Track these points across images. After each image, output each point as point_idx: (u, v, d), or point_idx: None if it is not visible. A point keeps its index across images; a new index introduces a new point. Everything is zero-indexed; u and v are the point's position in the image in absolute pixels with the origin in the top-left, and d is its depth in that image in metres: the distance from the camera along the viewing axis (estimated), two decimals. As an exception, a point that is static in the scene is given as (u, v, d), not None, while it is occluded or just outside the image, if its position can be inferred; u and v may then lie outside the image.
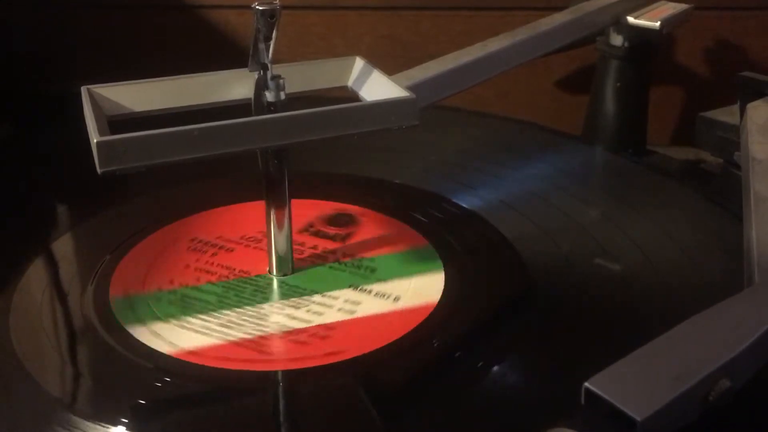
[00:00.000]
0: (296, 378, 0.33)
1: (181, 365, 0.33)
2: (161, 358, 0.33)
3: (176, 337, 0.34)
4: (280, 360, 0.33)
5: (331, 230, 0.43)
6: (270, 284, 0.38)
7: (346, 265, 0.39)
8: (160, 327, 0.35)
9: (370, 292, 0.37)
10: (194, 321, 0.36)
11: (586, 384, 0.25)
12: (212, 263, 0.40)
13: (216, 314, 0.36)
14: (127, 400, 0.31)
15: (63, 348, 0.35)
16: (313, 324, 0.35)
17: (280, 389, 0.33)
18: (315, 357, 0.33)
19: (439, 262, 0.39)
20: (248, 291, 0.38)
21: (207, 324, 0.35)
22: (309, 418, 0.32)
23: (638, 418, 0.24)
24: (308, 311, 0.36)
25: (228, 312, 0.36)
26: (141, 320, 0.36)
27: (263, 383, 0.33)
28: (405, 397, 0.32)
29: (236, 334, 0.35)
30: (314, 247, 0.41)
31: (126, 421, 0.30)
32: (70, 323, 0.36)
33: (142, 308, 0.36)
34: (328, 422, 0.31)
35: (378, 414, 0.31)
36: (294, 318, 0.36)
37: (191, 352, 0.33)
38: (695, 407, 0.25)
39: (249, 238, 0.42)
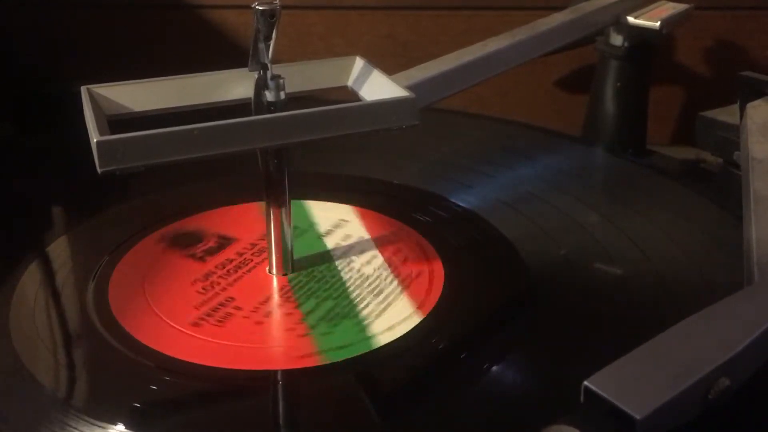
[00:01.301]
0: (296, 378, 0.33)
1: (181, 365, 0.33)
2: (161, 358, 0.33)
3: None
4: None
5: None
6: (304, 286, 0.39)
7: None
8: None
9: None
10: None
11: (586, 382, 0.25)
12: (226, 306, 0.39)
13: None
14: (127, 399, 0.31)
15: (63, 348, 0.35)
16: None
17: (280, 389, 0.33)
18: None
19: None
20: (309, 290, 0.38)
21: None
22: (308, 418, 0.32)
23: (637, 417, 0.24)
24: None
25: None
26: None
27: (263, 383, 0.33)
28: (404, 397, 0.32)
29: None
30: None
31: (125, 420, 0.30)
32: (70, 323, 0.36)
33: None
34: (327, 422, 0.31)
35: (377, 414, 0.31)
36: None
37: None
38: (695, 406, 0.25)
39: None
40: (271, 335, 0.35)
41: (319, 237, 0.42)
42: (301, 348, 0.34)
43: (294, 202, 0.39)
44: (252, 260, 0.40)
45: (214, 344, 0.34)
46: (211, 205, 0.45)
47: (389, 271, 0.39)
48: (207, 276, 0.38)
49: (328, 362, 0.33)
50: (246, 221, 0.43)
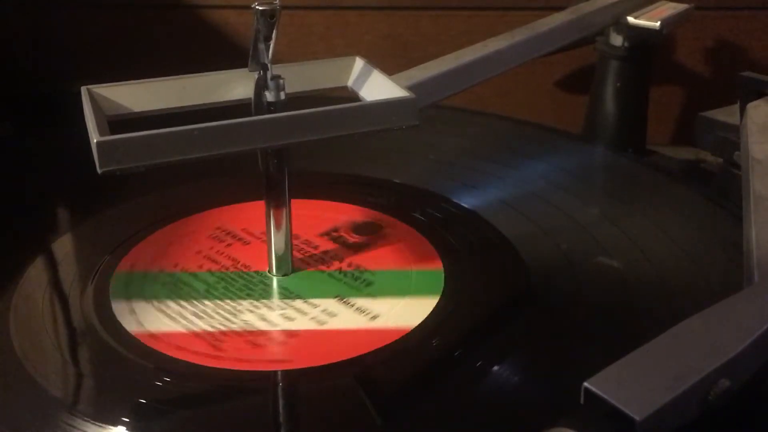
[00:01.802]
0: (296, 378, 0.33)
1: (181, 365, 0.33)
2: (161, 358, 0.33)
3: (147, 318, 0.36)
4: (227, 358, 0.33)
5: (353, 238, 0.42)
6: (261, 282, 0.38)
7: (345, 274, 0.39)
8: (139, 306, 0.36)
9: (352, 305, 0.37)
10: (172, 306, 0.37)
11: (586, 384, 0.25)
12: (222, 253, 0.41)
13: (196, 302, 0.37)
14: (126, 400, 0.31)
15: (63, 348, 0.35)
16: (278, 329, 0.35)
17: (280, 389, 0.33)
18: (260, 361, 0.33)
19: (439, 288, 0.38)
20: (237, 285, 0.38)
21: (181, 311, 0.36)
22: (308, 418, 0.32)
23: (637, 418, 0.24)
24: (281, 315, 0.36)
25: (207, 303, 0.37)
26: (127, 295, 0.37)
27: (262, 383, 0.33)
28: (404, 397, 0.32)
29: (201, 325, 0.35)
30: (325, 253, 0.41)
31: (125, 420, 0.30)
32: (70, 323, 0.36)
33: (135, 285, 0.38)
34: (327, 423, 0.31)
35: (377, 414, 0.31)
36: (264, 319, 0.36)
37: (151, 335, 0.34)
38: (695, 407, 0.25)
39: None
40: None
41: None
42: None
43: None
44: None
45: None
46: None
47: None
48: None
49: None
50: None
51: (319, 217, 0.44)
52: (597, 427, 0.24)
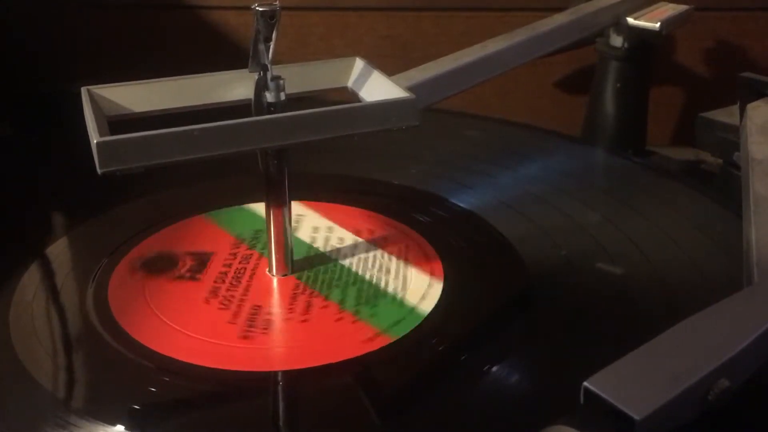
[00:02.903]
0: (296, 378, 0.33)
1: (181, 365, 0.33)
2: (161, 358, 0.33)
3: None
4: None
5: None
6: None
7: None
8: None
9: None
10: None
11: (585, 383, 0.25)
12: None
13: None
14: (127, 400, 0.31)
15: (63, 349, 0.35)
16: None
17: (280, 390, 0.33)
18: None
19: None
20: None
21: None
22: (308, 418, 0.32)
23: (637, 417, 0.24)
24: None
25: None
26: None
27: (262, 383, 0.33)
28: (404, 397, 0.32)
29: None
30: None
31: (125, 420, 0.30)
32: (70, 323, 0.36)
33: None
34: (326, 423, 0.31)
35: (377, 414, 0.31)
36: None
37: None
38: (694, 406, 0.25)
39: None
40: (326, 328, 0.35)
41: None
42: (362, 332, 0.34)
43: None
44: (245, 268, 0.40)
45: (279, 350, 0.34)
46: (158, 226, 0.43)
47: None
48: (215, 292, 0.38)
49: (396, 338, 0.34)
50: (204, 235, 0.43)
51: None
52: (597, 427, 0.24)
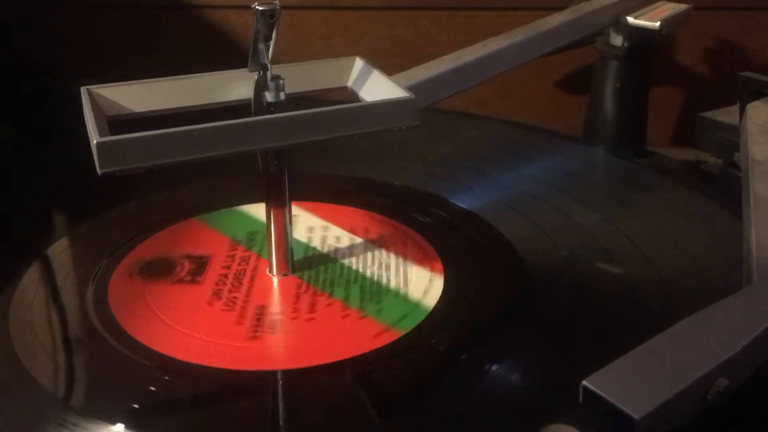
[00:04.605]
0: (296, 378, 0.33)
1: (181, 365, 0.33)
2: (161, 358, 0.33)
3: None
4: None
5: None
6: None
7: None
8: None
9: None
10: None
11: (585, 382, 0.25)
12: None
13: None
14: (127, 399, 0.31)
15: (63, 349, 0.35)
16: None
17: (280, 389, 0.33)
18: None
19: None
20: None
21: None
22: (308, 418, 0.32)
23: (636, 417, 0.24)
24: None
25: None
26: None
27: (262, 383, 0.33)
28: (404, 397, 0.32)
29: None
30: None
31: (125, 420, 0.30)
32: (70, 324, 0.36)
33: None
34: (326, 423, 0.31)
35: (377, 414, 0.31)
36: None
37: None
38: (693, 406, 0.25)
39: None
40: (334, 325, 0.35)
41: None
42: (370, 328, 0.35)
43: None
44: (244, 269, 0.39)
45: (290, 349, 0.34)
46: (154, 229, 0.43)
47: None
48: (217, 294, 0.38)
49: (404, 333, 0.34)
50: (198, 237, 0.43)
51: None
52: (596, 426, 0.24)
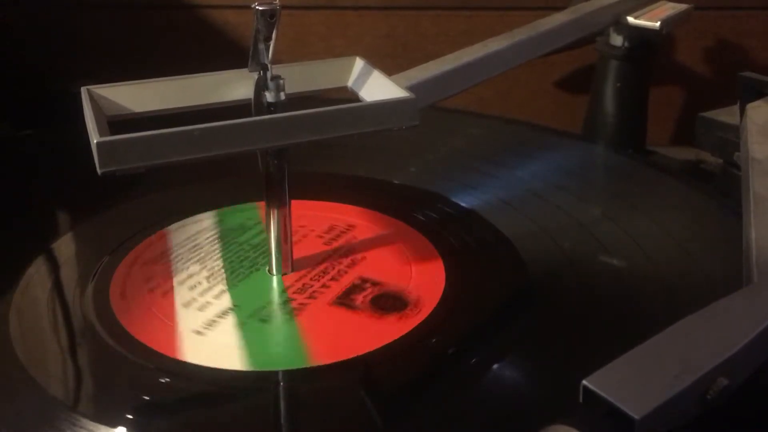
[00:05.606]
0: (296, 378, 0.33)
1: (181, 365, 0.33)
2: (161, 358, 0.33)
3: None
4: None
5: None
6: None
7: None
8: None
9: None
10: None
11: (585, 382, 0.25)
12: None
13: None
14: (127, 400, 0.31)
15: (63, 348, 0.35)
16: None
17: (281, 389, 0.33)
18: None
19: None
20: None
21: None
22: (309, 418, 0.32)
23: (636, 416, 0.24)
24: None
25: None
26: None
27: (262, 383, 0.33)
28: (404, 397, 0.32)
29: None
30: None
31: (125, 420, 0.30)
32: (70, 323, 0.36)
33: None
34: (326, 423, 0.31)
35: (377, 414, 0.31)
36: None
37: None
38: (693, 405, 0.25)
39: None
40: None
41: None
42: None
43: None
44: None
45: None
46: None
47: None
48: None
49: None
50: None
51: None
52: (596, 426, 0.24)
